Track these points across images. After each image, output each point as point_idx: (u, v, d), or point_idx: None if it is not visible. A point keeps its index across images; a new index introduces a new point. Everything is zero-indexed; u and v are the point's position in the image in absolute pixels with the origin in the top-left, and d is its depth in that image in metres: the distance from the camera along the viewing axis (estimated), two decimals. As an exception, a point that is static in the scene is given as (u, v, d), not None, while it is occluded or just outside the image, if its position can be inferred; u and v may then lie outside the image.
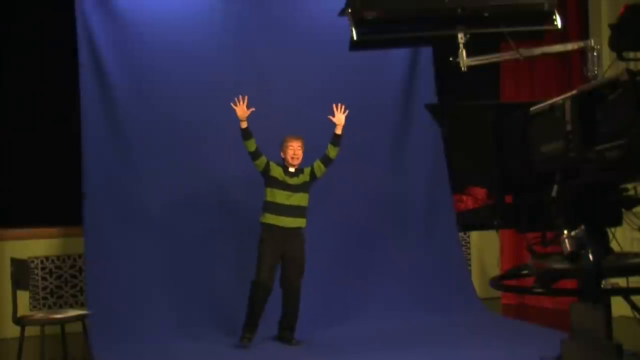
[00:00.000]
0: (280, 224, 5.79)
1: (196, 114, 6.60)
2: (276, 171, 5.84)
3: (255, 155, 5.81)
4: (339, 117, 5.95)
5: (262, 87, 6.54)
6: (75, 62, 6.44)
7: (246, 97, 5.77)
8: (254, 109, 5.78)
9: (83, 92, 6.40)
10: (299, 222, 5.85)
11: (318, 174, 5.95)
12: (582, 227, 2.75)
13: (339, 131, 5.93)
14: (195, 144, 6.60)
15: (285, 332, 5.91)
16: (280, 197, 5.80)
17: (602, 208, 2.85)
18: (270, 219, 5.80)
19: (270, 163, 5.85)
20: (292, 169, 5.88)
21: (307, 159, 5.96)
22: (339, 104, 5.97)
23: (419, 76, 7.32)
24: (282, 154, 5.91)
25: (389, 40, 3.72)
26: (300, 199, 5.86)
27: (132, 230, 6.36)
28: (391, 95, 7.28)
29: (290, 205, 5.81)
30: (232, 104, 5.77)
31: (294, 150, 5.86)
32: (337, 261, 6.76)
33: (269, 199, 5.83)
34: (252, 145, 5.78)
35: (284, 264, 5.86)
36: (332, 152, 5.93)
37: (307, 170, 5.93)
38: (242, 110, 5.75)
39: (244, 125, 5.75)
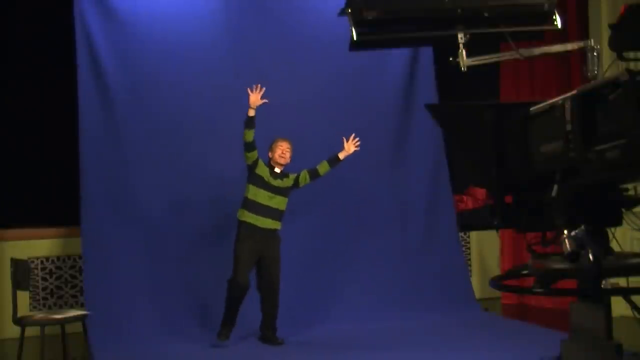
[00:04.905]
0: (259, 225, 5.78)
1: (195, 114, 6.59)
2: (263, 170, 5.84)
3: (249, 147, 5.77)
4: (349, 147, 5.98)
5: (262, 87, 6.52)
6: (74, 62, 6.43)
7: (264, 88, 5.74)
8: (267, 102, 5.76)
9: (81, 92, 6.39)
10: (276, 224, 5.86)
11: (301, 184, 5.95)
12: (582, 227, 2.75)
13: (342, 157, 5.97)
14: (194, 144, 6.58)
15: (269, 333, 5.90)
16: (262, 197, 5.79)
17: (602, 208, 2.86)
18: (250, 217, 5.79)
19: (259, 160, 5.85)
20: (277, 170, 5.87)
21: (303, 160, 5.98)
22: (356, 138, 6.01)
23: (419, 76, 7.31)
24: (270, 153, 5.91)
25: (389, 40, 3.71)
26: (280, 202, 5.86)
27: (130, 230, 6.34)
28: (391, 95, 7.27)
29: (270, 207, 5.80)
30: (248, 88, 5.75)
31: (283, 150, 5.86)
32: (337, 261, 6.76)
33: (250, 196, 5.81)
34: (250, 135, 5.74)
35: (262, 265, 5.84)
36: (324, 170, 5.95)
37: (292, 176, 5.93)
38: (256, 97, 5.71)
39: (251, 113, 5.71)
